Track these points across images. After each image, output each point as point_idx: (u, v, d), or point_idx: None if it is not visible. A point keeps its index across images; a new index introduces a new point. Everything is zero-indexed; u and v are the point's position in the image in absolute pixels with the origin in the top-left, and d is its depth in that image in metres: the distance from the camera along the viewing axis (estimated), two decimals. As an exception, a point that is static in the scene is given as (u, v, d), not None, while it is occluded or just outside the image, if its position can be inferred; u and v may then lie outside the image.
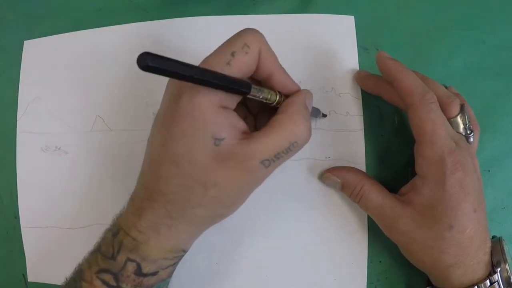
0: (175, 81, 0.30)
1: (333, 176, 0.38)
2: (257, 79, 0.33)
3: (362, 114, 0.41)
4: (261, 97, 0.31)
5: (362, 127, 0.40)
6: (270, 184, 0.40)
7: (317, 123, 0.40)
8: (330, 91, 0.41)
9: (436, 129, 0.33)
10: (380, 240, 0.39)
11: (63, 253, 0.41)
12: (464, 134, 0.35)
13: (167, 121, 0.30)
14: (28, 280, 0.42)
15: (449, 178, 0.32)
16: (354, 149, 0.40)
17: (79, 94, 0.42)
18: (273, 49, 0.41)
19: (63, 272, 0.40)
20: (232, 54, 0.29)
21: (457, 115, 0.35)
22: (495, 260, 0.34)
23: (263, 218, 0.40)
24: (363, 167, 0.40)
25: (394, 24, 0.43)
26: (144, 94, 0.42)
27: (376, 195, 0.36)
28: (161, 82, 0.41)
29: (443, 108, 0.35)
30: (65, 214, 0.41)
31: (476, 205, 0.33)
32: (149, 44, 0.42)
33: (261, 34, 0.31)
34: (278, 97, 0.32)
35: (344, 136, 0.40)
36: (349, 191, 0.38)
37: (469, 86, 0.42)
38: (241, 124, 0.31)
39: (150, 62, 0.23)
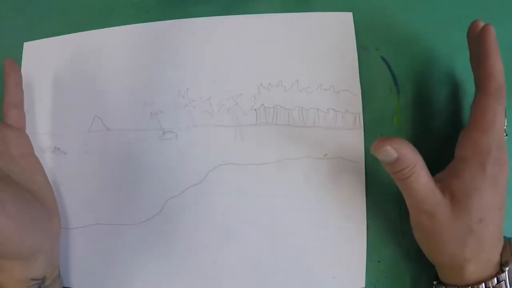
0: None
1: (392, 149, 0.33)
2: None
3: (361, 111, 0.40)
4: None
5: (362, 124, 0.40)
6: (269, 183, 0.40)
7: (315, 121, 0.40)
8: (328, 88, 0.41)
9: (495, 120, 0.33)
10: (379, 240, 0.39)
11: (62, 253, 0.41)
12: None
13: None
14: (27, 280, 0.42)
15: (489, 171, 0.33)
16: (353, 147, 0.40)
17: (77, 95, 0.43)
18: (273, 48, 0.42)
19: (62, 272, 0.40)
20: None
21: None
22: (504, 260, 0.34)
23: (262, 217, 0.40)
24: (362, 165, 0.40)
25: (393, 24, 0.43)
26: (142, 94, 0.42)
27: (424, 176, 0.34)
28: (159, 82, 0.42)
29: None
30: (64, 214, 0.41)
31: (501, 204, 0.34)
32: (147, 45, 0.43)
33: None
34: None
35: (343, 134, 0.40)
36: (400, 167, 0.33)
37: (469, 86, 0.42)
38: None
39: None
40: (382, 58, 0.42)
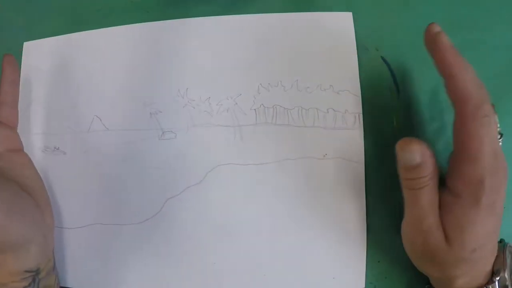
0: None
1: (419, 153, 0.31)
2: None
3: (361, 111, 0.40)
4: None
5: (361, 124, 0.40)
6: (268, 183, 0.40)
7: (315, 121, 0.40)
8: (328, 88, 0.41)
9: (483, 147, 0.29)
10: (379, 240, 0.39)
11: (61, 253, 0.41)
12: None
13: None
14: (26, 281, 0.42)
15: (484, 202, 0.30)
16: (353, 147, 0.40)
17: (77, 95, 0.43)
18: (273, 48, 0.42)
19: (62, 272, 0.40)
20: None
21: None
22: (496, 268, 0.33)
23: (261, 218, 0.40)
24: (362, 165, 0.40)
25: (393, 24, 0.43)
26: (142, 94, 0.42)
27: (435, 191, 0.32)
28: (158, 82, 0.42)
29: None
30: (64, 214, 0.41)
31: (497, 226, 0.31)
32: (147, 45, 0.43)
33: None
34: None
35: (343, 133, 0.40)
36: (418, 175, 0.31)
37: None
38: None
39: None
40: (382, 58, 0.42)
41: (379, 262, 0.39)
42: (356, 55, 0.41)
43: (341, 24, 0.42)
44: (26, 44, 0.44)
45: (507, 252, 0.33)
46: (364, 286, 0.39)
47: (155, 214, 0.40)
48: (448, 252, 0.31)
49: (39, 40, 0.44)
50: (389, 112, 0.41)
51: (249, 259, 0.39)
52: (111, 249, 0.40)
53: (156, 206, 0.40)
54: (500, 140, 0.34)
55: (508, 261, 0.33)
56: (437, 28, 0.33)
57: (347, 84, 0.41)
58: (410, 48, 0.42)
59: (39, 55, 0.44)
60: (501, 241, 0.35)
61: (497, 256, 0.33)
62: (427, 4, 0.43)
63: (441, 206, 0.32)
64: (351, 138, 0.40)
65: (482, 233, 0.31)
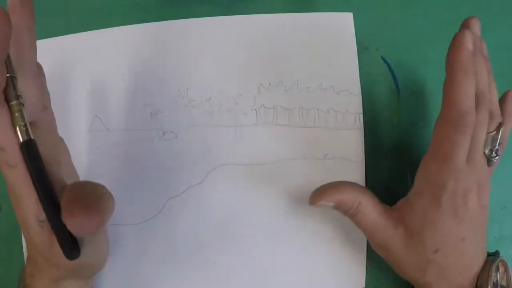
0: None
1: (326, 201, 0.34)
2: None
3: (361, 111, 0.40)
4: None
5: (361, 124, 0.40)
6: (269, 184, 0.40)
7: (315, 121, 0.40)
8: (328, 88, 0.41)
9: (454, 153, 0.30)
10: (380, 239, 0.39)
11: (62, 254, 0.41)
12: (488, 155, 0.33)
13: None
14: (27, 281, 0.42)
15: (445, 204, 0.31)
16: (353, 147, 0.40)
17: (77, 95, 0.42)
18: (273, 48, 0.42)
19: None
20: None
21: (489, 133, 0.33)
22: (479, 283, 0.32)
23: (262, 218, 0.40)
24: (362, 165, 0.40)
25: (393, 24, 0.43)
26: (142, 94, 0.42)
27: (370, 213, 0.34)
28: (159, 82, 0.42)
29: None
30: (64, 214, 0.41)
31: (466, 233, 0.32)
32: (147, 45, 0.43)
33: None
34: None
35: (343, 134, 0.40)
36: (342, 210, 0.35)
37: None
38: None
39: None
40: (382, 58, 0.42)
41: (379, 262, 0.39)
42: (356, 55, 0.41)
43: (341, 24, 0.42)
44: (26, 44, 0.44)
45: (494, 267, 0.33)
46: (364, 286, 0.39)
47: (156, 215, 0.40)
48: (411, 254, 0.33)
49: (39, 41, 0.44)
50: (389, 112, 0.41)
51: (250, 259, 0.40)
52: (112, 250, 0.40)
53: (157, 206, 0.40)
54: (494, 159, 0.33)
55: (493, 276, 0.33)
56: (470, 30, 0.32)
57: (348, 84, 0.41)
58: (410, 48, 0.42)
59: (39, 55, 0.43)
60: (494, 254, 0.34)
61: (482, 270, 0.33)
62: (427, 4, 0.43)
63: (406, 205, 0.34)
64: (351, 138, 0.40)
65: (444, 234, 0.31)
